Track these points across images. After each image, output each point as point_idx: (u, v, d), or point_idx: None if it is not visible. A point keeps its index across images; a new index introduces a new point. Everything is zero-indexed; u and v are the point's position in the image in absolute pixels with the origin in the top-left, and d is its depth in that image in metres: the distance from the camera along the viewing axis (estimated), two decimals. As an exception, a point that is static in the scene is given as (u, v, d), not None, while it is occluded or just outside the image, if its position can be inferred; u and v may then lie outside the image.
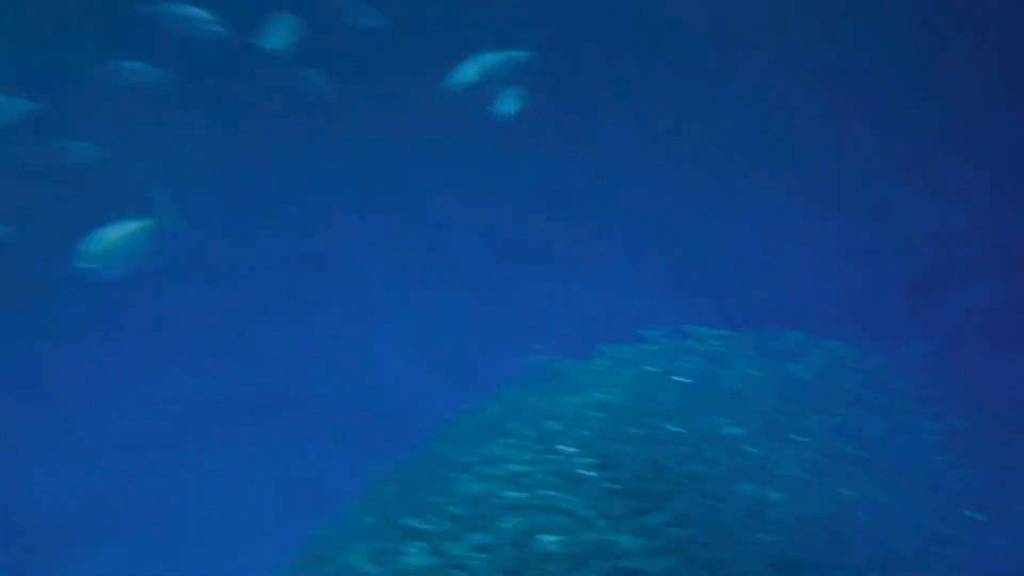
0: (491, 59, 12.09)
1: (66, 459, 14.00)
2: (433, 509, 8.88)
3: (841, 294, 13.93)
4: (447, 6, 14.49)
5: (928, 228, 14.56)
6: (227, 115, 14.47)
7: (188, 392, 13.96)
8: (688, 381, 10.90)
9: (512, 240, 15.02)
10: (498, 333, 15.39)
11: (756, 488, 9.15)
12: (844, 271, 14.12)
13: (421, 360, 14.64)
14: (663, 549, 8.00)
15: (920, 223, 14.69)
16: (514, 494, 8.44)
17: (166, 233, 11.03)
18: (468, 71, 12.09)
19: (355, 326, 15.29)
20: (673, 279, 14.59)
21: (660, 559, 8.03)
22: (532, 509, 8.40)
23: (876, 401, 11.10)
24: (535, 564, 8.10)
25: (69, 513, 13.86)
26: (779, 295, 13.98)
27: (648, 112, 15.43)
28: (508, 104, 11.49)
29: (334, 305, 15.42)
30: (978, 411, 11.11)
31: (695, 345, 11.31)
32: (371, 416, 14.16)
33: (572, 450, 8.81)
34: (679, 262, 14.62)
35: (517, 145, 15.18)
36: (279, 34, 12.38)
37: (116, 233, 10.60)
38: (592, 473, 8.53)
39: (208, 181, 14.42)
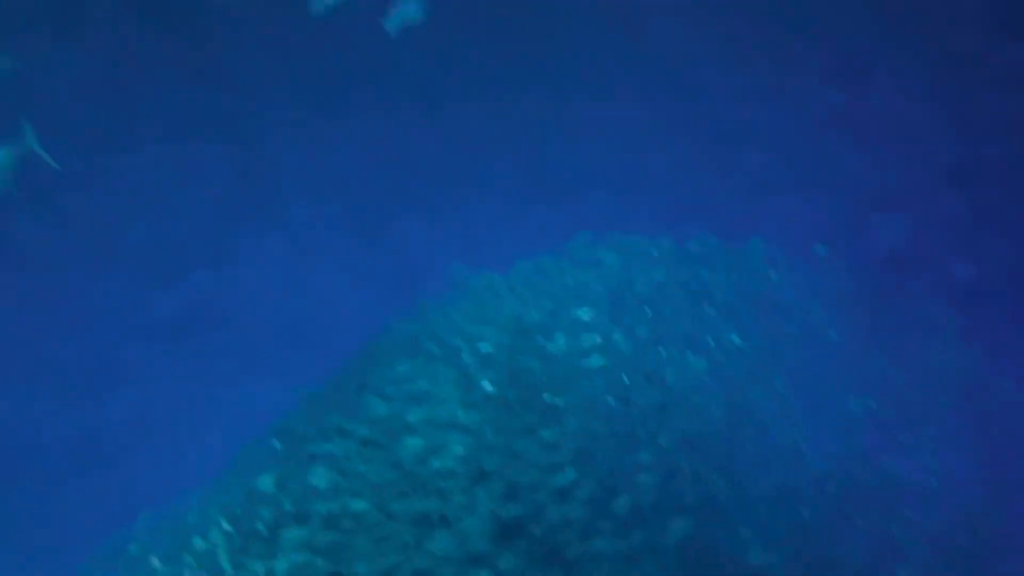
0: None
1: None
2: (339, 431, 8.99)
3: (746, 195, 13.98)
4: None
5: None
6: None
7: (118, 318, 13.95)
8: (601, 290, 10.98)
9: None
10: (436, 253, 15.39)
11: (660, 393, 9.29)
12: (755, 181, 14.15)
13: (352, 281, 14.64)
14: (561, 464, 8.15)
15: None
16: (417, 413, 8.55)
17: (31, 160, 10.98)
18: None
19: (288, 251, 15.25)
20: (588, 184, 14.58)
21: (559, 473, 8.18)
22: (434, 427, 8.52)
23: (783, 302, 11.23)
24: (437, 481, 8.24)
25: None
26: (697, 198, 14.01)
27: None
28: (401, 17, 11.27)
29: (269, 231, 15.37)
30: (877, 312, 11.28)
31: (609, 257, 11.37)
32: (300, 339, 14.20)
33: (476, 364, 8.91)
34: (597, 169, 14.60)
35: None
36: None
37: None
38: (493, 389, 8.63)
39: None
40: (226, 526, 9.08)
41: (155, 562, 9.20)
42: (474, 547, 7.92)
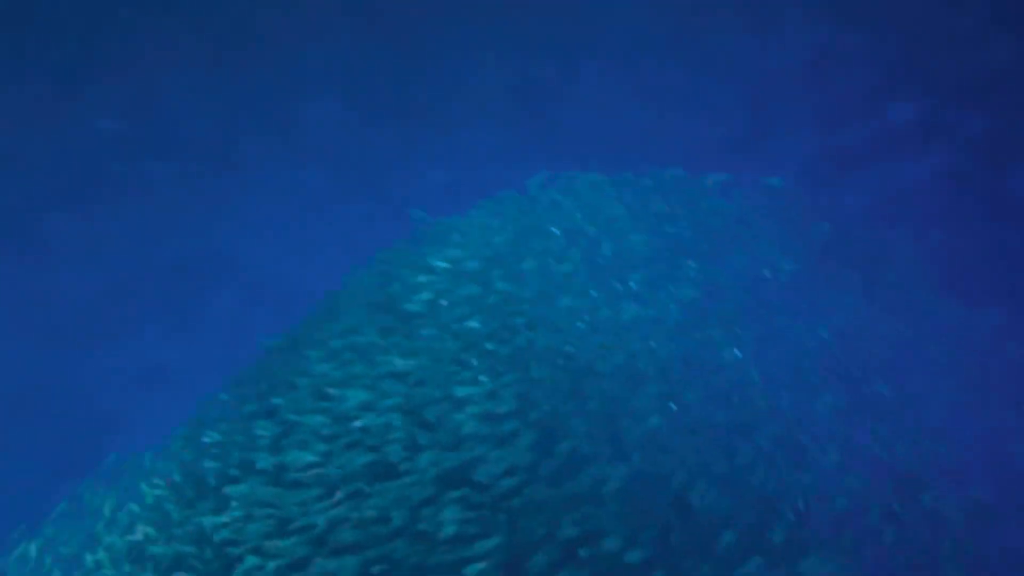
0: None
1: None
2: (287, 384, 9.06)
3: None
4: None
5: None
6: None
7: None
8: (557, 232, 10.99)
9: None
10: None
11: (610, 333, 9.34)
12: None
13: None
14: (503, 412, 8.22)
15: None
16: (360, 366, 8.60)
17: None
18: None
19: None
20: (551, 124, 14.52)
21: (500, 423, 8.26)
22: (376, 378, 8.58)
23: (741, 238, 11.24)
24: (379, 434, 8.32)
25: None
26: (656, 136, 13.95)
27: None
28: None
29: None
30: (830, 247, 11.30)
31: (566, 200, 11.35)
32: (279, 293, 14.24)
33: (418, 313, 8.95)
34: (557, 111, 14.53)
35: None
36: None
37: None
38: (432, 334, 8.68)
39: None
40: (176, 477, 9.18)
41: (106, 510, 9.32)
42: (418, 496, 8.03)
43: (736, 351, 10.54)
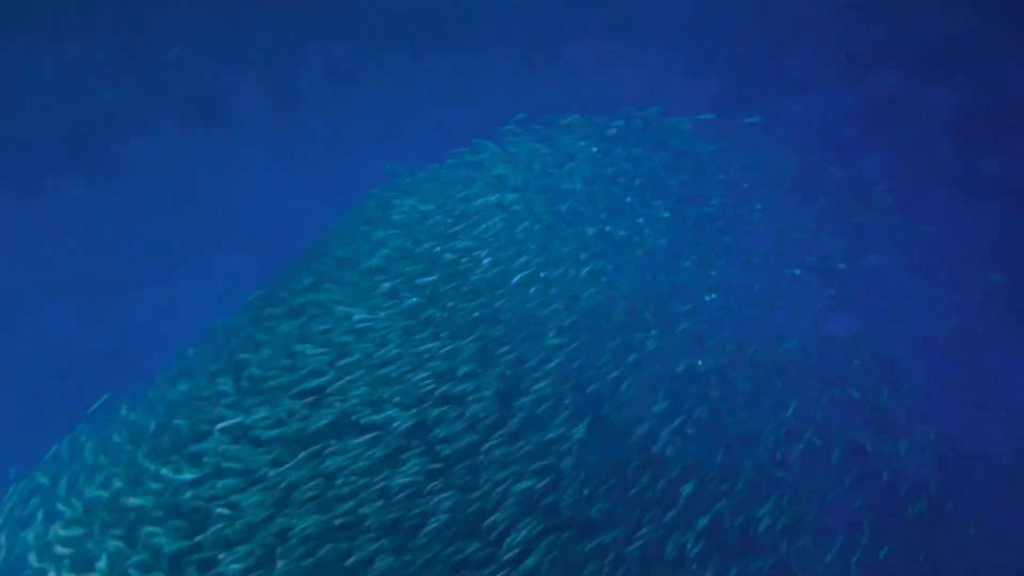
0: None
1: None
2: (253, 342, 9.16)
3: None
4: None
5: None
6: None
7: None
8: (522, 178, 10.97)
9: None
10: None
11: (573, 282, 9.38)
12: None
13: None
14: (463, 371, 8.31)
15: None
16: (322, 322, 8.69)
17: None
18: None
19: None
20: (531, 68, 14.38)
21: (461, 380, 8.35)
22: (338, 334, 8.66)
23: (710, 175, 11.23)
24: (341, 392, 8.43)
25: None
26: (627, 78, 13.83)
27: None
28: None
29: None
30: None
31: (535, 146, 11.31)
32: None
33: (377, 269, 9.00)
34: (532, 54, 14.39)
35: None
36: None
37: None
38: (389, 287, 8.74)
39: None
40: (151, 427, 9.34)
41: (88, 454, 9.49)
42: (380, 451, 8.16)
43: (710, 295, 10.59)
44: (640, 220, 10.48)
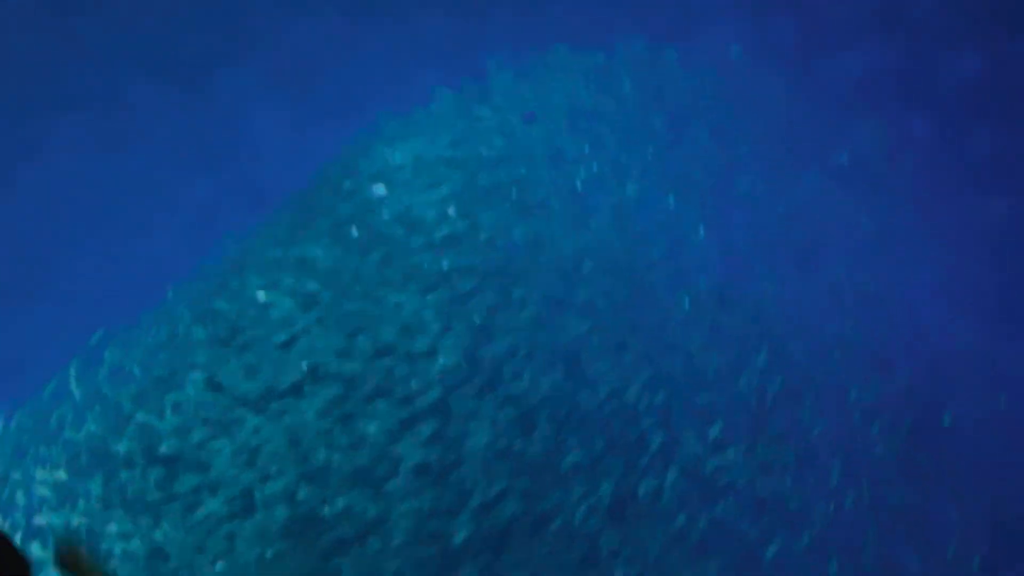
0: None
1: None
2: (229, 288, 9.24)
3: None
4: None
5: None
6: None
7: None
8: (514, 121, 10.89)
9: None
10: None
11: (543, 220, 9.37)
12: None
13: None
14: (420, 324, 8.37)
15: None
16: (287, 275, 8.74)
17: None
18: None
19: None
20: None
21: (419, 336, 8.42)
22: (305, 278, 8.73)
23: (699, 108, 11.12)
24: (308, 344, 8.53)
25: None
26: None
27: None
28: None
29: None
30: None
31: (522, 84, 11.18)
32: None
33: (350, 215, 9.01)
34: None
35: None
36: None
37: None
38: (357, 236, 8.75)
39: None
40: (136, 372, 9.49)
41: (76, 392, 9.68)
42: (345, 410, 8.28)
43: (700, 230, 10.57)
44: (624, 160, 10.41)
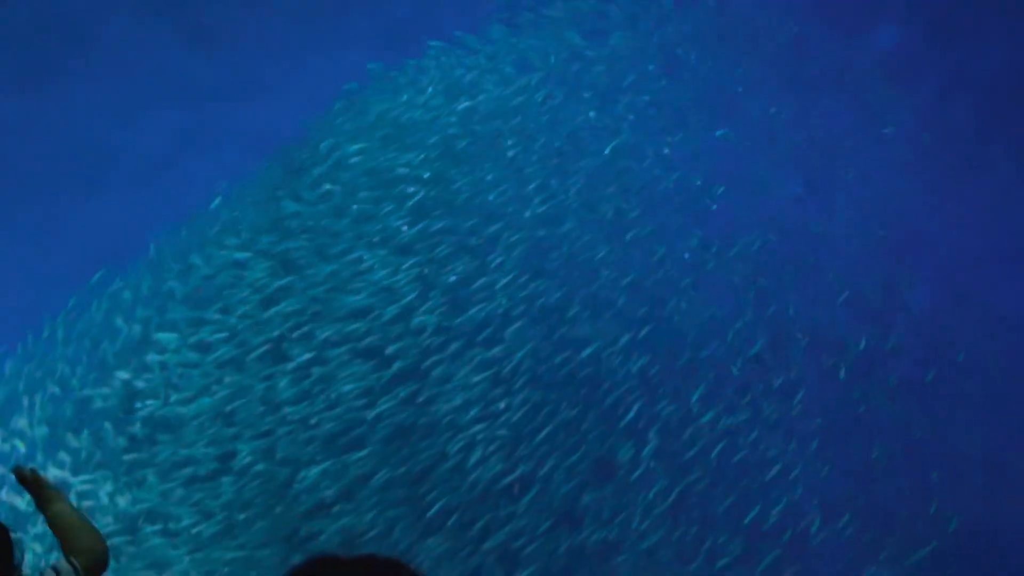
0: None
1: None
2: (210, 241, 9.19)
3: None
4: None
5: None
6: None
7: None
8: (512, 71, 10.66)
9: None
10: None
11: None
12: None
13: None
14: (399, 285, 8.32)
15: None
16: (265, 236, 8.68)
17: None
18: None
19: None
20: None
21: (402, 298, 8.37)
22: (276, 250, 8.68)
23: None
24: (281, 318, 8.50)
25: None
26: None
27: None
28: None
29: None
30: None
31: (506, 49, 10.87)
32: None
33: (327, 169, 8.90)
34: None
35: None
36: None
37: None
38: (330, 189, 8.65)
39: None
40: (120, 326, 9.51)
41: (61, 343, 9.71)
42: (320, 372, 8.27)
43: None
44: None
